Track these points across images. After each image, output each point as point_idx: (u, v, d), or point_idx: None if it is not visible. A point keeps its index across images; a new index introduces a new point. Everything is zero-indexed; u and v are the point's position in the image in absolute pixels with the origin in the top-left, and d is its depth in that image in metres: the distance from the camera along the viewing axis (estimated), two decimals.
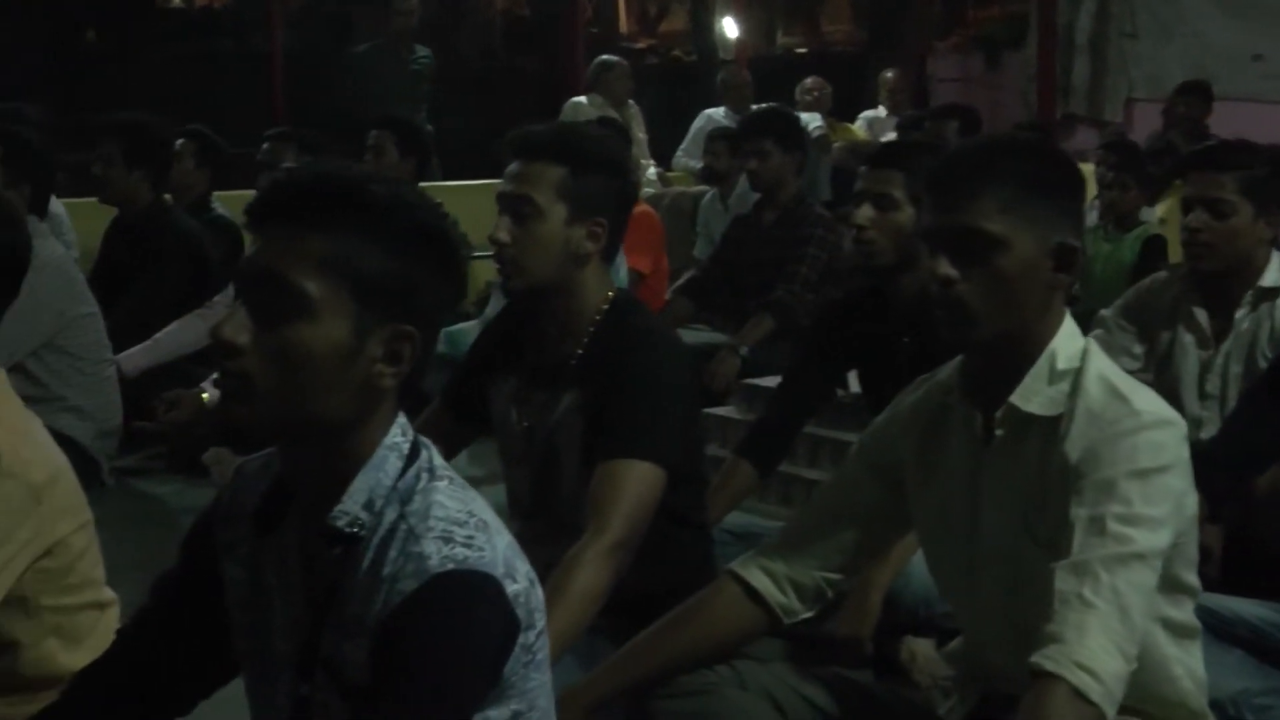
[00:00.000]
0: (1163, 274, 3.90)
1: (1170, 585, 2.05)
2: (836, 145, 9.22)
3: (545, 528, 2.79)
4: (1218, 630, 2.69)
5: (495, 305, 6.07)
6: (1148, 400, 2.04)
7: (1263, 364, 3.52)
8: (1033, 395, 2.08)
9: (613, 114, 8.58)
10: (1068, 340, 2.11)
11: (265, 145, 6.19)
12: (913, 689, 3.10)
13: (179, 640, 1.80)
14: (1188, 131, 8.58)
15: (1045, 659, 1.86)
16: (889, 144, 3.40)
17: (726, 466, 3.48)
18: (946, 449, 2.20)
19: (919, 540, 2.32)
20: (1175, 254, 6.58)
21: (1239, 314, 3.59)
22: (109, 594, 2.33)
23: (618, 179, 2.77)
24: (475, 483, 3.70)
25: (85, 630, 2.24)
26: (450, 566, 1.58)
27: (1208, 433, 3.48)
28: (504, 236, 2.71)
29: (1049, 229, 2.07)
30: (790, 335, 5.54)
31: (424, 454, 1.70)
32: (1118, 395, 2.03)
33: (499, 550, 1.63)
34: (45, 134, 5.44)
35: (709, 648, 2.33)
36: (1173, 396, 3.53)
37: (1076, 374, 2.07)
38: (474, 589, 1.58)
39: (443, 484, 1.67)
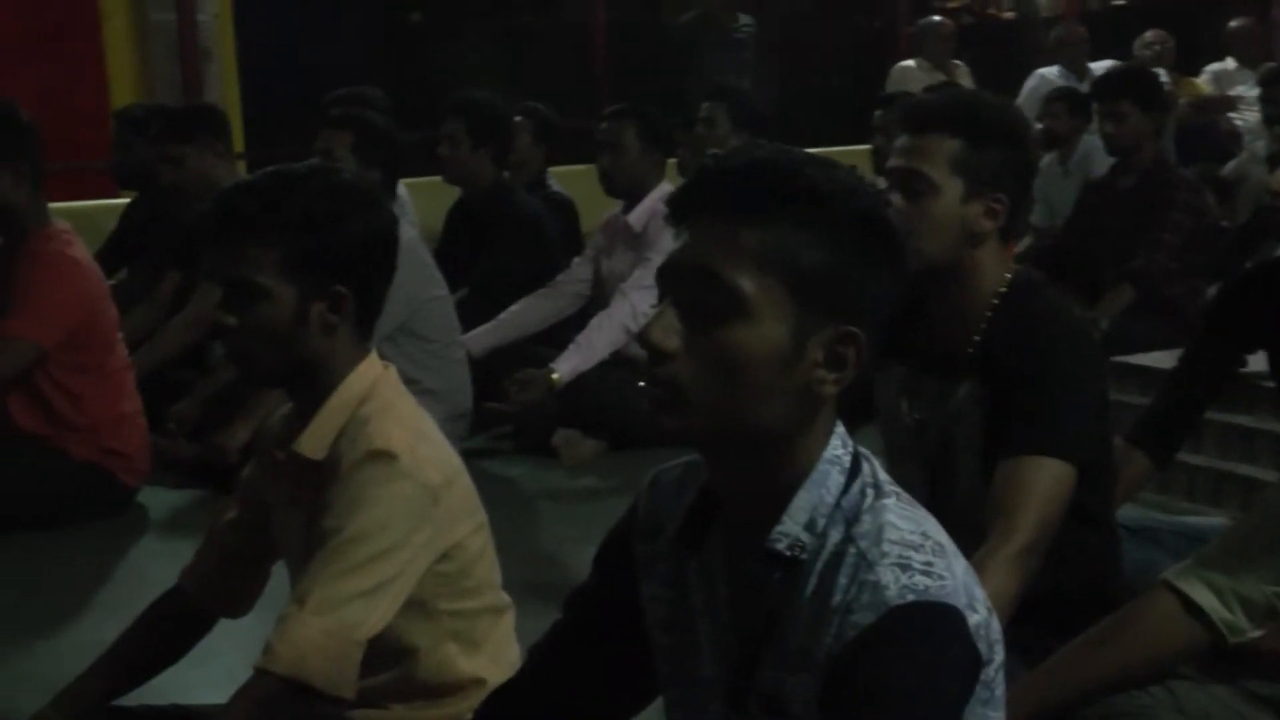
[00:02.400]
0: None
1: None
2: (1181, 102, 8.73)
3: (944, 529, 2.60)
4: None
5: None
6: None
7: None
8: None
9: (941, 77, 8.30)
10: None
11: (603, 124, 6.14)
12: None
13: (595, 661, 1.69)
14: None
15: None
16: None
17: (1117, 457, 3.22)
18: None
19: None
20: None
21: None
22: (505, 598, 2.25)
23: (1018, 151, 2.55)
24: None
25: (483, 634, 2.17)
26: (910, 598, 1.42)
27: None
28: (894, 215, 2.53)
29: None
30: (1153, 307, 5.23)
31: (866, 467, 1.54)
32: None
33: (959, 577, 1.46)
34: (389, 117, 5.50)
35: (1141, 667, 2.12)
36: None
37: None
38: (937, 623, 1.42)
39: (891, 501, 1.51)
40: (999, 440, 2.46)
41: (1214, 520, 3.42)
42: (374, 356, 2.18)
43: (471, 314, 5.20)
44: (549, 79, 9.59)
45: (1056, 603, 2.46)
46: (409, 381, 4.46)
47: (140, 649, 2.31)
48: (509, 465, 4.90)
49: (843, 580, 1.45)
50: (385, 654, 2.10)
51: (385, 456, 2.04)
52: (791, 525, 1.50)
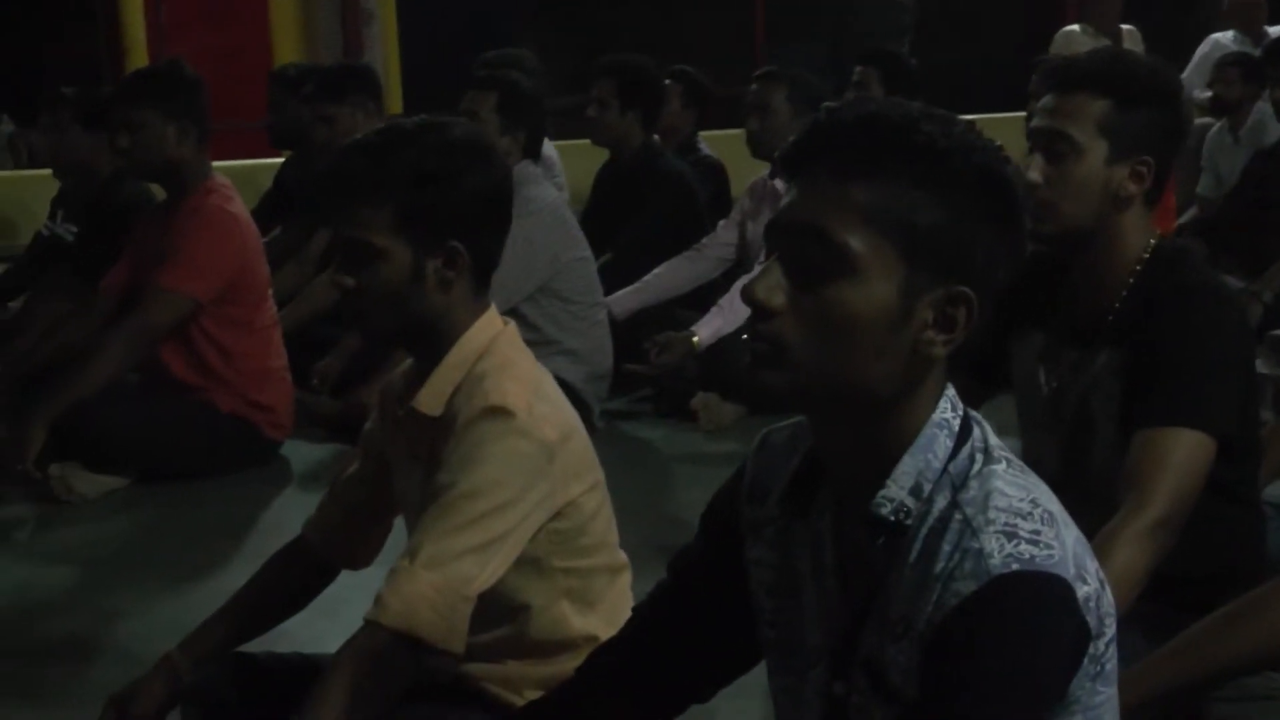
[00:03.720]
0: None
1: None
2: None
3: (1074, 500, 2.49)
4: None
5: None
6: None
7: None
8: None
9: (1106, 42, 8.06)
10: None
11: (753, 86, 6.09)
12: None
13: (698, 623, 1.67)
14: None
15: None
16: None
17: (1268, 431, 3.10)
18: None
19: None
20: None
21: None
22: (622, 557, 2.24)
23: (1168, 113, 2.46)
24: None
25: (598, 594, 2.16)
26: (1015, 567, 1.36)
27: None
28: (1036, 176, 2.45)
29: None
30: None
31: (976, 431, 1.49)
32: None
33: (1068, 547, 1.41)
34: (538, 79, 5.51)
35: (1277, 649, 2.03)
36: None
37: None
38: (1042, 593, 1.37)
39: (1000, 467, 1.45)
40: (1137, 410, 2.38)
41: None
42: (493, 312, 2.17)
43: (617, 276, 5.21)
44: (707, 43, 9.55)
45: (1192, 580, 2.39)
46: (550, 342, 4.60)
47: (263, 598, 2.34)
48: (648, 428, 4.90)
49: (947, 547, 1.41)
50: (498, 610, 2.09)
51: (501, 413, 2.03)
52: (896, 490, 1.46)
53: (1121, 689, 2.01)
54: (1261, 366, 4.47)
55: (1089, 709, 1.45)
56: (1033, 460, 2.66)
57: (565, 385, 4.54)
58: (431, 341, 2.13)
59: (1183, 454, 2.30)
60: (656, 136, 5.73)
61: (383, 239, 2.07)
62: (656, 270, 5.21)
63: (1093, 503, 2.41)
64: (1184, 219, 6.52)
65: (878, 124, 1.45)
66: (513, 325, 2.21)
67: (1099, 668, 1.45)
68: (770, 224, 1.50)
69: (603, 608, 2.14)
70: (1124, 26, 8.44)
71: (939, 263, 1.44)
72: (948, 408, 1.49)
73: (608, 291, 5.02)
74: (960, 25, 10.69)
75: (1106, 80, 2.43)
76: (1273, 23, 8.39)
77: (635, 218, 5.43)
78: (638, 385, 5.05)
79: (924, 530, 1.44)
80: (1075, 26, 8.50)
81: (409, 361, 2.23)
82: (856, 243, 1.42)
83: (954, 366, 2.72)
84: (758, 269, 1.49)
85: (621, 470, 4.47)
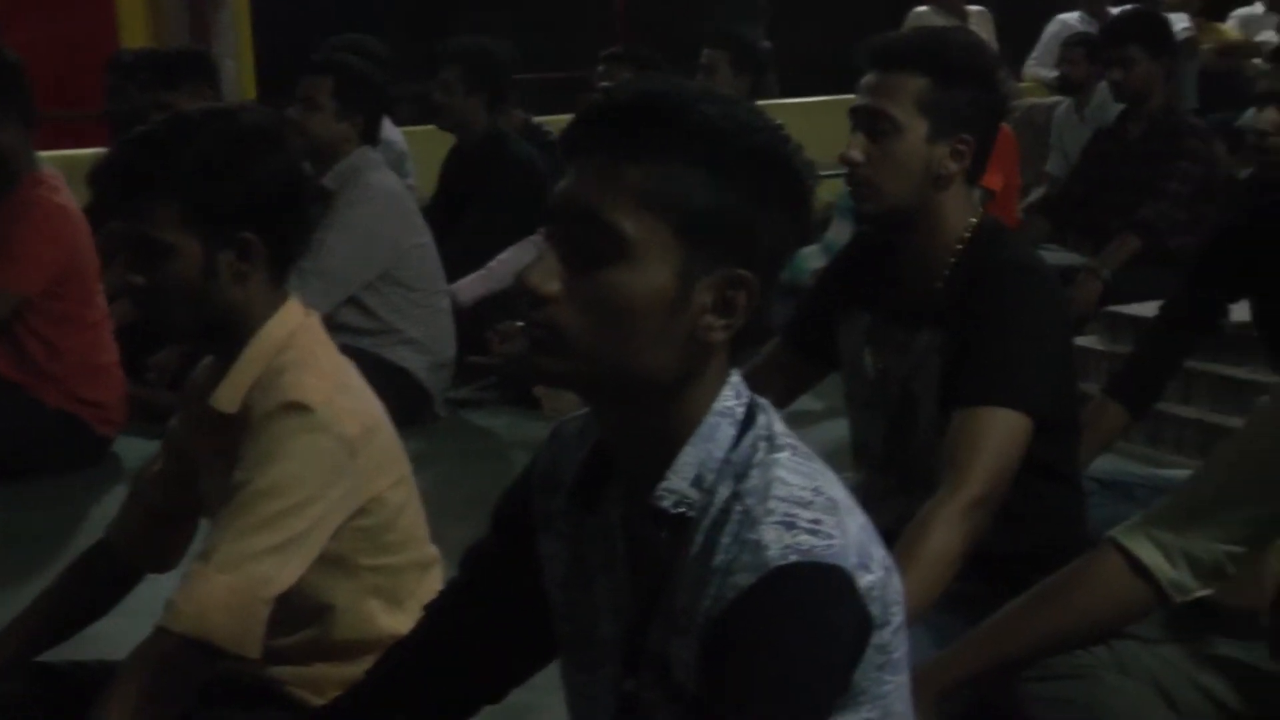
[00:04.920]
0: None
1: None
2: (1204, 48, 8.55)
3: (897, 481, 2.54)
4: None
5: (837, 229, 5.82)
6: None
7: None
8: None
9: (956, 22, 8.13)
10: None
11: (601, 67, 6.05)
12: None
13: (490, 620, 1.63)
14: None
15: None
16: None
17: (1093, 408, 3.13)
18: None
19: None
20: None
21: None
22: (433, 552, 2.18)
23: (986, 91, 2.46)
24: (815, 418, 3.44)
25: (407, 591, 2.10)
26: (793, 558, 1.34)
27: None
28: (857, 155, 2.44)
29: None
30: (1158, 258, 5.11)
31: (761, 419, 1.46)
32: None
33: (850, 536, 1.38)
34: (382, 65, 5.42)
35: (1085, 627, 2.04)
36: None
37: None
38: (821, 584, 1.34)
39: (784, 455, 1.42)
40: (955, 390, 2.38)
41: (1188, 473, 3.34)
42: (294, 304, 2.11)
43: (465, 262, 5.14)
44: (569, 25, 9.50)
45: (1013, 558, 2.39)
46: (390, 330, 4.53)
47: (64, 604, 2.26)
48: (491, 416, 4.86)
49: (726, 539, 1.38)
50: (303, 611, 2.04)
51: (299, 408, 1.97)
52: (678, 481, 1.42)
53: (935, 672, 2.03)
54: (1097, 343, 4.54)
55: (877, 699, 1.43)
56: (860, 441, 2.67)
57: (406, 374, 4.55)
58: (229, 336, 2.06)
59: (999, 433, 2.30)
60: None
61: (171, 234, 1.99)
62: (501, 255, 5.15)
63: (917, 483, 2.42)
64: (1033, 197, 6.59)
65: (654, 104, 1.41)
66: (316, 317, 2.14)
67: (885, 657, 1.42)
68: (545, 208, 1.46)
69: (412, 605, 2.08)
70: (973, 7, 8.52)
71: (718, 245, 1.40)
72: (731, 395, 1.46)
73: (454, 278, 4.96)
74: (819, 8, 10.73)
75: (925, 59, 2.43)
76: (1118, 3, 8.52)
77: (481, 203, 5.36)
78: (481, 373, 4.99)
79: (706, 522, 1.41)
80: (925, 7, 8.56)
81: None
82: (631, 226, 1.38)
83: (789, 346, 2.75)
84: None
85: (463, 460, 4.45)
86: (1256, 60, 8.70)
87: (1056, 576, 2.07)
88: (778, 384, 2.73)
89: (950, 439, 2.32)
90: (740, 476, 1.41)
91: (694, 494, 1.42)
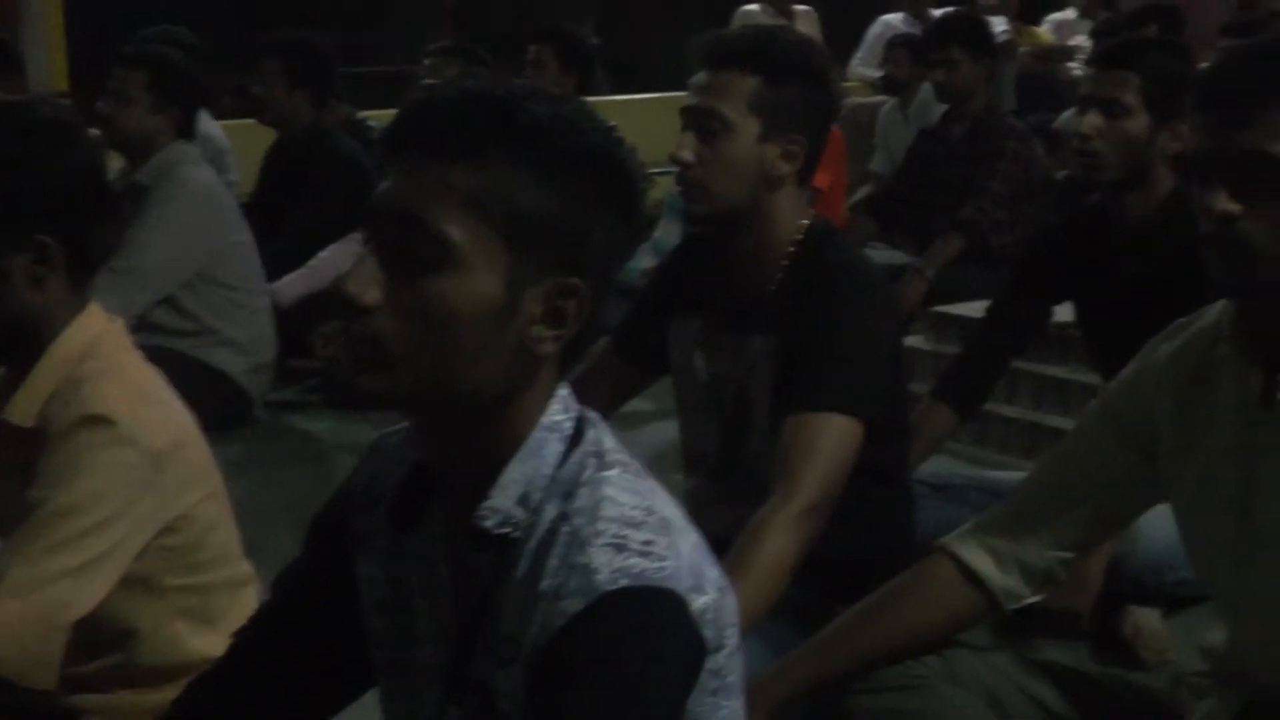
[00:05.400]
0: None
1: None
2: (1022, 51, 8.72)
3: (730, 487, 2.50)
4: None
5: (666, 229, 5.78)
6: None
7: None
8: None
9: (783, 21, 8.17)
10: None
11: (427, 61, 5.93)
12: (1139, 669, 2.76)
13: (305, 646, 1.53)
14: None
15: None
16: (1120, 41, 3.01)
17: (922, 410, 3.14)
18: (1214, 410, 1.84)
19: (1175, 516, 1.96)
20: None
21: None
22: (246, 570, 2.08)
23: (818, 91, 2.42)
24: (646, 419, 3.37)
25: (218, 612, 2.00)
26: (624, 582, 1.27)
27: None
28: (688, 155, 2.39)
29: None
30: (981, 257, 5.17)
31: (590, 434, 1.39)
32: None
33: (684, 556, 1.32)
34: (195, 56, 5.24)
35: (918, 636, 2.02)
36: None
37: None
38: (652, 610, 1.28)
39: (613, 473, 1.36)
40: (786, 395, 2.35)
41: (1019, 475, 3.36)
42: (95, 309, 1.98)
43: (286, 261, 4.99)
44: (395, 19, 9.34)
45: (844, 565, 2.37)
46: (208, 331, 4.36)
47: None
48: (315, 419, 4.72)
49: (554, 562, 1.30)
50: (104, 636, 1.92)
51: (101, 421, 1.85)
52: (502, 500, 1.35)
53: (770, 684, 1.99)
54: (923, 343, 4.57)
55: None
56: (691, 447, 2.63)
57: (225, 377, 4.40)
58: (24, 345, 1.93)
59: (830, 439, 2.27)
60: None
61: None
62: (322, 254, 5.01)
63: (751, 489, 2.38)
64: (858, 195, 6.64)
65: (479, 103, 1.34)
66: (120, 323, 2.02)
67: (720, 681, 1.37)
68: (364, 212, 1.38)
69: (224, 626, 1.98)
70: (799, 7, 8.58)
71: (547, 252, 1.34)
72: (560, 409, 1.39)
73: (276, 277, 4.81)
74: (648, 4, 10.72)
75: (757, 57, 2.39)
76: (939, 5, 8.64)
77: (305, 200, 5.22)
78: (304, 376, 4.85)
79: (532, 543, 1.34)
80: (754, 5, 8.59)
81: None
82: (456, 231, 1.31)
83: (618, 351, 2.69)
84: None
85: (284, 465, 4.32)
86: (1070, 64, 8.91)
87: (890, 585, 2.05)
88: (606, 390, 2.68)
89: (782, 445, 2.29)
90: (568, 495, 1.34)
91: (519, 513, 1.35)
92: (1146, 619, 2.82)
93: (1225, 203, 1.67)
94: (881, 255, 5.46)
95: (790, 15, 8.28)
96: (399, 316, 1.31)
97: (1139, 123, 2.90)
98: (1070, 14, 9.51)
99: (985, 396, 3.25)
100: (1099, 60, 3.02)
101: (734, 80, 2.38)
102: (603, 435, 1.40)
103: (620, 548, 1.29)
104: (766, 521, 2.20)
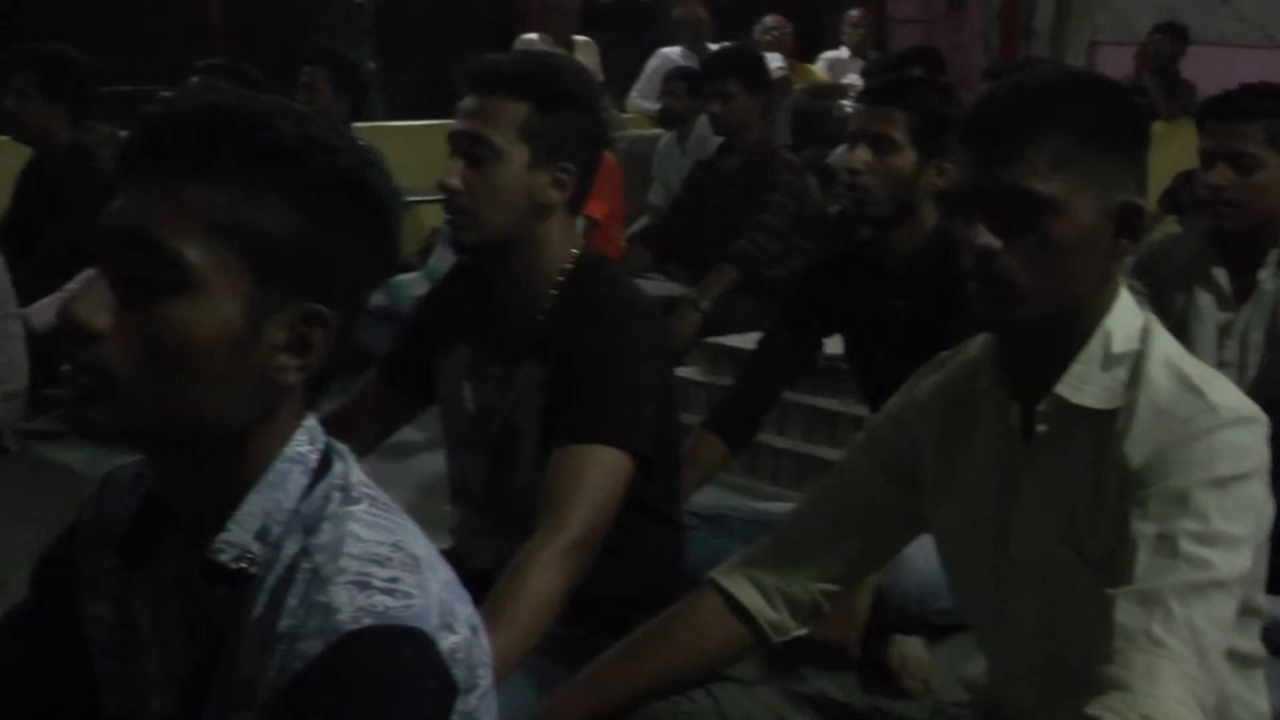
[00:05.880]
0: (1177, 230, 3.56)
1: (1239, 609, 1.71)
2: (797, 87, 8.88)
3: (497, 520, 2.44)
4: (1275, 640, 2.36)
5: (440, 256, 5.70)
6: (1225, 393, 1.69)
7: None
8: (1083, 384, 1.73)
9: (563, 51, 8.18)
10: (1125, 317, 1.75)
11: (194, 79, 5.75)
12: (905, 698, 2.78)
13: (28, 697, 1.43)
14: (1159, 73, 8.31)
15: (1107, 710, 1.52)
16: (889, 79, 3.05)
17: (693, 441, 3.13)
18: (974, 443, 1.85)
19: (938, 549, 1.97)
20: (1151, 202, 6.34)
21: (1262, 274, 3.27)
22: None
23: (589, 119, 2.38)
24: (416, 449, 3.30)
25: None
26: (367, 622, 1.21)
27: None
28: (456, 182, 2.33)
29: (1111, 187, 1.70)
30: (754, 289, 5.22)
31: (338, 466, 1.33)
32: (1189, 386, 1.68)
33: (431, 594, 1.26)
34: None
35: (686, 671, 1.99)
36: None
37: (1137, 359, 1.72)
38: (398, 650, 1.21)
39: (360, 507, 1.30)
40: (554, 428, 2.30)
41: (789, 506, 3.38)
42: None
43: (42, 284, 4.77)
44: (164, 36, 9.06)
45: (616, 601, 2.33)
46: None
47: None
48: (68, 450, 4.51)
49: (293, 601, 1.24)
50: None
51: None
52: (239, 533, 1.28)
53: None
54: (697, 374, 4.58)
55: None
56: (458, 478, 2.56)
57: None
58: None
59: (598, 472, 2.23)
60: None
61: None
62: (79, 277, 4.80)
63: (519, 523, 2.32)
64: (635, 227, 6.66)
65: (220, 118, 1.27)
66: None
67: None
68: (94, 232, 1.29)
69: None
70: (580, 38, 8.59)
71: (292, 277, 1.27)
72: (305, 440, 1.32)
73: (27, 302, 4.60)
74: (428, 30, 10.61)
75: (527, 83, 2.34)
76: (718, 40, 8.74)
77: (60, 222, 5.00)
78: (58, 404, 4.63)
79: (271, 580, 1.26)
80: (534, 35, 8.58)
81: None
82: (194, 253, 1.23)
83: (384, 380, 2.61)
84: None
85: (36, 498, 4.11)
86: (843, 101, 9.10)
87: (658, 619, 2.02)
88: (374, 419, 2.61)
89: (549, 478, 2.24)
90: (310, 530, 1.27)
91: (257, 548, 1.27)
92: (911, 648, 2.84)
93: (986, 237, 1.69)
94: (658, 287, 5.48)
95: (570, 45, 8.29)
96: (130, 344, 1.23)
97: (906, 159, 2.93)
98: (843, 53, 9.73)
99: (756, 428, 3.26)
100: (868, 97, 3.06)
101: (503, 106, 2.33)
102: (350, 468, 1.34)
103: (364, 585, 1.23)
104: (531, 557, 2.15)
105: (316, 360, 1.29)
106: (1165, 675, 1.52)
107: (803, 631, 2.01)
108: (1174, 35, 8.52)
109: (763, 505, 3.35)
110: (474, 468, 2.51)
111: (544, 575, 2.13)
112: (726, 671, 2.07)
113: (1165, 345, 1.74)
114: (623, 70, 9.32)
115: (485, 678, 1.33)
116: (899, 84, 3.03)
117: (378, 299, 5.80)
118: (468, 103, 2.36)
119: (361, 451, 2.60)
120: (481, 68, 2.38)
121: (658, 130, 7.73)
